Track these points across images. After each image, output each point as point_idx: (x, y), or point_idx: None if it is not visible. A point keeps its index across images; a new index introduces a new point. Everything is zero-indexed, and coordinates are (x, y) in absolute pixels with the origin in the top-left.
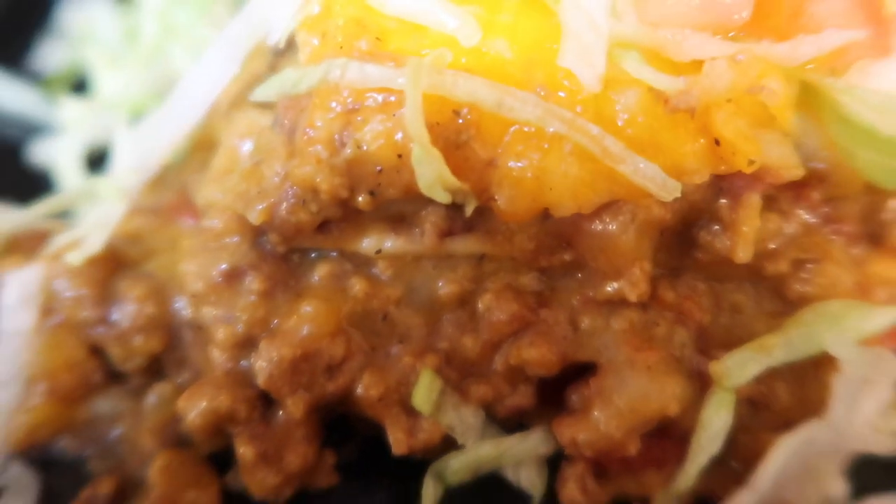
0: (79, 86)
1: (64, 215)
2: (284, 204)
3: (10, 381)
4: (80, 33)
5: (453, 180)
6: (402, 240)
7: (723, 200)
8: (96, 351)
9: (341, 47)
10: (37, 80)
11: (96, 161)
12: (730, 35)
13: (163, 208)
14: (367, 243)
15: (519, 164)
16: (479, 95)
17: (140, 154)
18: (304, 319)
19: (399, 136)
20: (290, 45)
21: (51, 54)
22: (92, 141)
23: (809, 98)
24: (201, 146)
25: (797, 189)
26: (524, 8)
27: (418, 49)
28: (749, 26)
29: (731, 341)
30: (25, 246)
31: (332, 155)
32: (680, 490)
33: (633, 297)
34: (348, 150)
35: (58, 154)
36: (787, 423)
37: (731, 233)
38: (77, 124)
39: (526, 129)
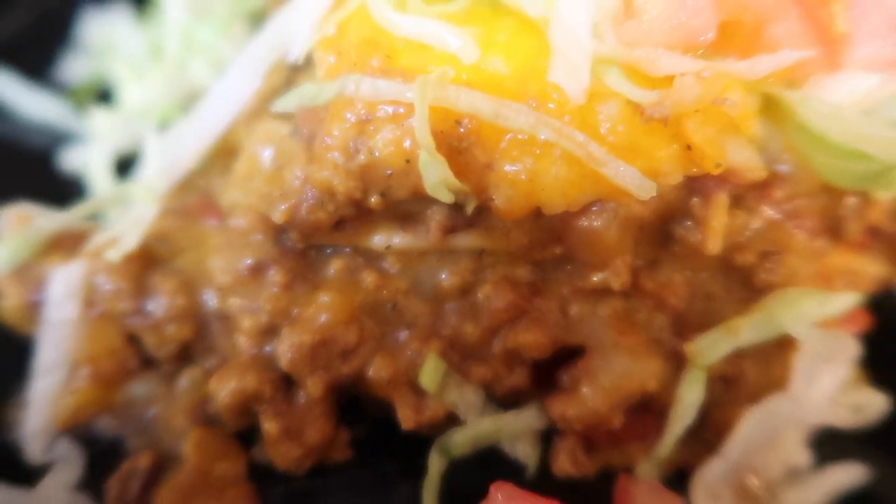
0: (103, 95)
1: (95, 217)
2: (304, 205)
3: (57, 366)
4: (102, 46)
5: (456, 182)
6: (410, 236)
7: (695, 199)
8: (133, 339)
9: (355, 64)
10: (63, 90)
11: (123, 166)
12: (698, 53)
13: (188, 209)
14: (378, 239)
15: (514, 168)
16: (479, 107)
17: (168, 160)
18: (322, 309)
19: (407, 143)
20: (307, 61)
21: (75, 66)
22: (120, 148)
23: (770, 108)
24: (223, 152)
25: (762, 188)
26: (518, 29)
27: (424, 66)
28: (715, 45)
29: (704, 325)
30: (65, 245)
31: (347, 160)
32: (660, 458)
33: (616, 286)
34: (362, 157)
35: (88, 161)
36: (754, 398)
37: (702, 228)
38: (105, 133)
39: (520, 136)
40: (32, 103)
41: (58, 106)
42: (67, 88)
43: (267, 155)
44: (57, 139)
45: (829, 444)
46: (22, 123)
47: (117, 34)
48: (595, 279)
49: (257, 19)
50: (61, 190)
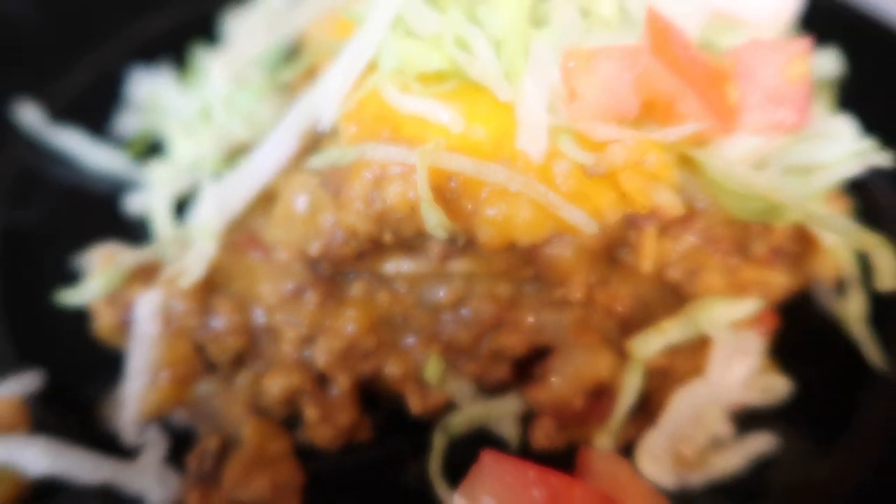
0: (156, 147)
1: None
2: (334, 242)
3: (143, 371)
4: (151, 104)
5: (449, 223)
6: (415, 263)
7: (631, 231)
8: (199, 348)
9: (371, 134)
10: (120, 143)
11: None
12: (627, 124)
13: (238, 245)
14: (390, 266)
15: (493, 212)
16: (464, 167)
17: (221, 205)
18: (348, 321)
19: (412, 195)
20: (333, 130)
21: (129, 122)
22: (176, 194)
23: (685, 162)
24: (265, 198)
25: (683, 221)
26: (493, 106)
27: (423, 135)
28: (639, 117)
29: (643, 327)
30: (143, 276)
31: (366, 208)
32: (612, 432)
33: (575, 299)
34: (377, 205)
35: (150, 205)
36: (682, 383)
37: (638, 253)
38: (162, 181)
39: (497, 188)
40: (96, 155)
41: (117, 157)
42: (124, 141)
43: (302, 202)
44: (119, 186)
45: (747, 419)
46: (89, 173)
47: (164, 95)
48: (558, 294)
49: (288, 89)
50: (128, 230)
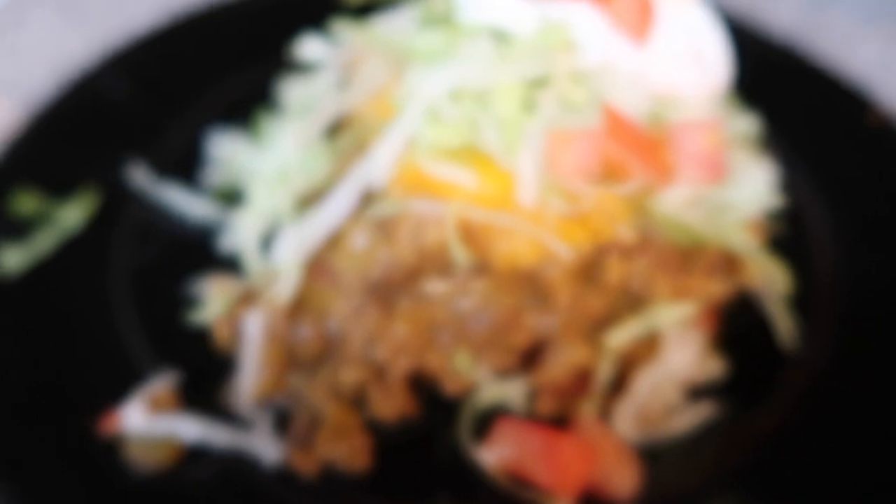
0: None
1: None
2: (388, 270)
3: (252, 368)
4: (230, 162)
5: (469, 256)
6: (445, 284)
7: (601, 256)
8: (290, 351)
9: (411, 192)
10: (209, 193)
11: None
12: (593, 180)
13: (312, 274)
14: (428, 287)
15: (501, 246)
16: (480, 216)
17: (302, 245)
18: (398, 328)
19: (443, 236)
20: (383, 189)
21: (214, 175)
22: (260, 235)
23: (638, 206)
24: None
25: (640, 247)
26: (499, 171)
27: (450, 192)
28: (602, 176)
29: (613, 325)
30: (247, 299)
31: (411, 246)
32: (593, 402)
33: (562, 306)
34: (419, 244)
35: (240, 245)
36: (644, 365)
37: (606, 272)
38: (248, 226)
39: (503, 229)
40: (190, 204)
41: (207, 205)
42: (211, 191)
43: (362, 241)
44: (212, 229)
45: (693, 391)
46: (187, 219)
47: (240, 153)
48: (550, 303)
49: (342, 153)
50: (223, 264)
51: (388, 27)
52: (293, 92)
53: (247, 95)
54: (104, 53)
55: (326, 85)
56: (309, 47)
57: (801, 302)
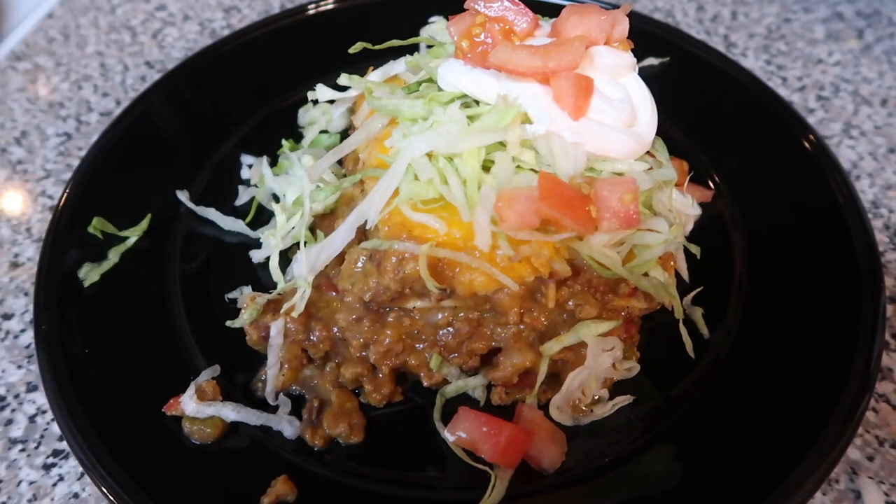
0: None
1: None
2: (377, 292)
3: (276, 364)
4: (258, 185)
5: (438, 285)
6: (423, 303)
7: (541, 285)
8: (304, 351)
9: (396, 233)
10: (241, 213)
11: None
12: (533, 230)
13: (322, 287)
14: (410, 304)
15: (464, 278)
16: (447, 255)
17: (313, 263)
18: (387, 335)
19: (419, 269)
20: (375, 227)
21: (244, 196)
22: (279, 253)
23: (570, 248)
24: (336, 259)
25: (573, 277)
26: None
27: (425, 235)
28: (541, 227)
29: (551, 336)
30: (270, 308)
31: (395, 275)
32: (534, 394)
33: (513, 321)
34: (401, 274)
35: (266, 259)
36: (573, 367)
37: (546, 296)
38: (271, 245)
39: (465, 265)
40: (226, 222)
41: (239, 224)
42: (243, 211)
43: (359, 266)
44: (244, 244)
45: (614, 386)
46: (226, 233)
47: (265, 178)
48: (503, 319)
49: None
50: (257, 270)
51: (386, 74)
52: (310, 128)
53: (266, 125)
54: (151, 86)
55: (337, 118)
56: (321, 91)
57: (716, 303)
